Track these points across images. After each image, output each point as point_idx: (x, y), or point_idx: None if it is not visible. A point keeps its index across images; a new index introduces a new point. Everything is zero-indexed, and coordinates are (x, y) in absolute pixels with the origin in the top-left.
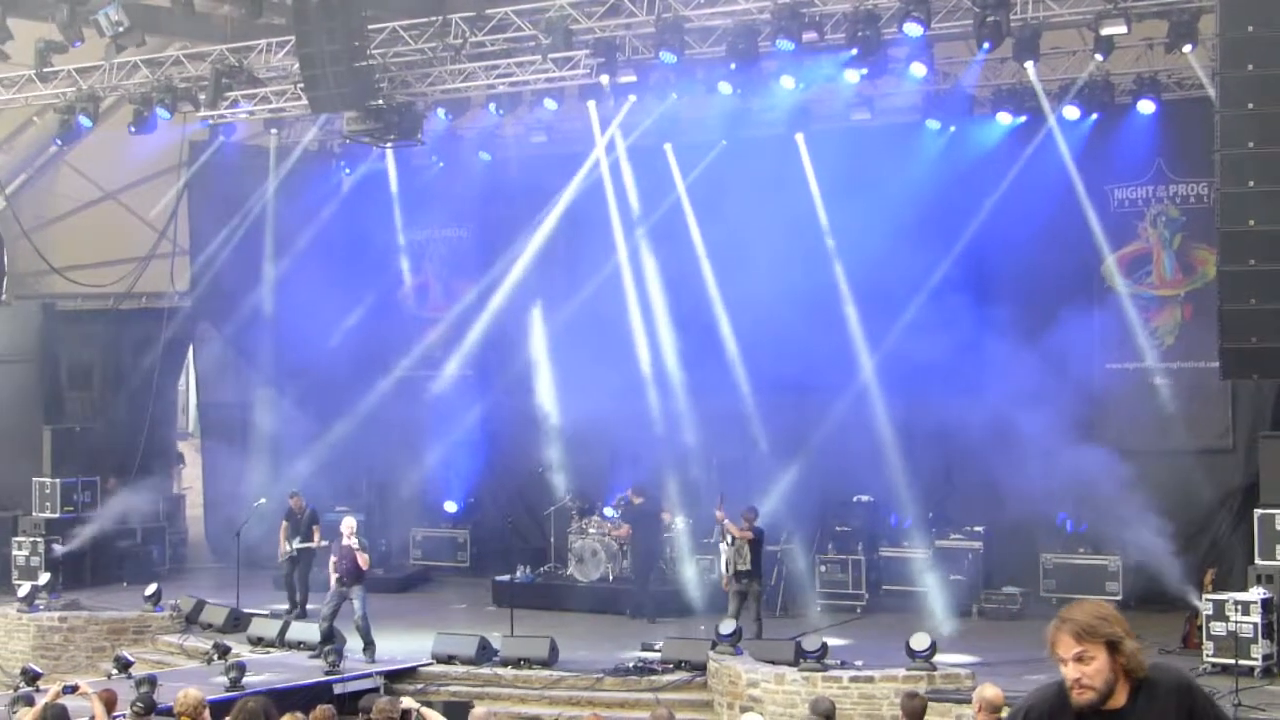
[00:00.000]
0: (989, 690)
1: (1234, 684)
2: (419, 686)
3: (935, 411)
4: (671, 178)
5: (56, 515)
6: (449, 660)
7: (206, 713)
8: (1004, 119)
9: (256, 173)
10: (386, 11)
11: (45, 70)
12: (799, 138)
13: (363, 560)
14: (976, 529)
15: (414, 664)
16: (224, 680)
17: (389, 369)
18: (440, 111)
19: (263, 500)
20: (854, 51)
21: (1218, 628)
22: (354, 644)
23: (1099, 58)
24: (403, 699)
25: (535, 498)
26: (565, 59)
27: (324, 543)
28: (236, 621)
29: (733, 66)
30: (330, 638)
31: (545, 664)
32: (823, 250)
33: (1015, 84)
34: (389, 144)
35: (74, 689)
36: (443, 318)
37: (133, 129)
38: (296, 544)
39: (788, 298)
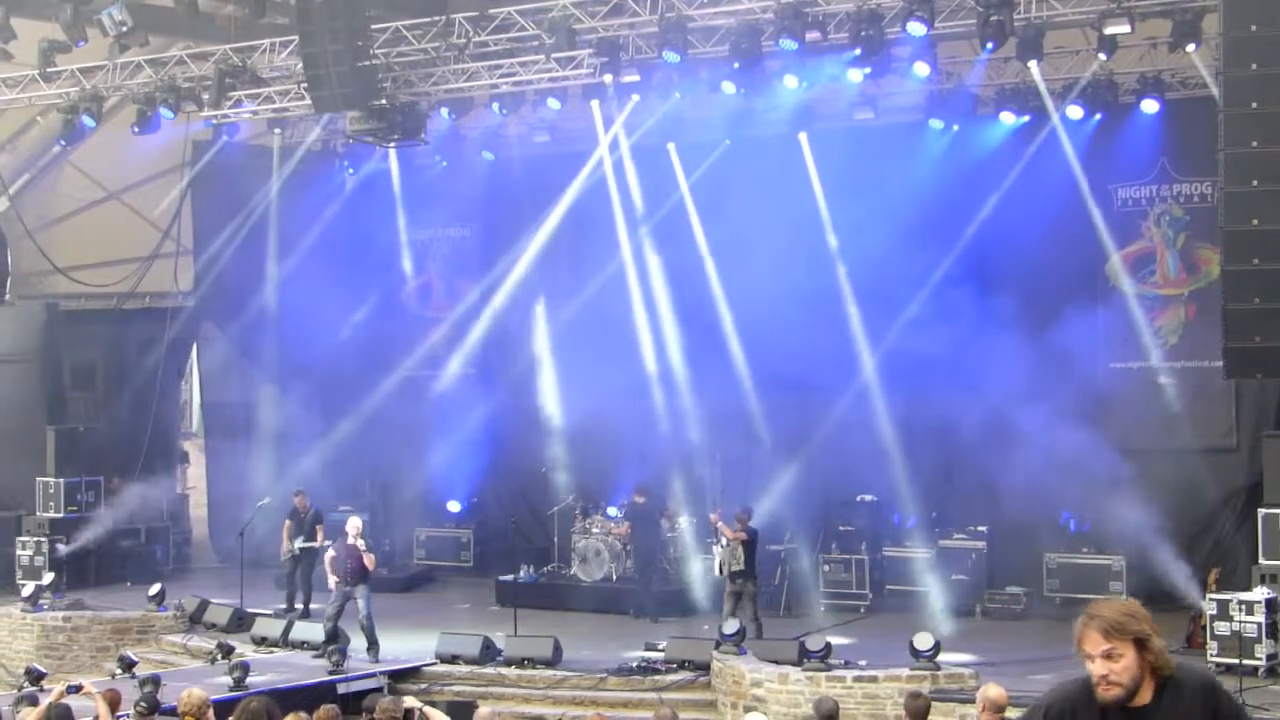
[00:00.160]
0: (993, 690)
1: (1238, 684)
2: (423, 686)
3: (938, 411)
4: (675, 177)
5: (60, 515)
6: (453, 660)
7: (210, 712)
8: (1007, 118)
9: (260, 172)
10: (390, 11)
11: (49, 70)
12: (802, 137)
13: (369, 560)
14: (980, 529)
15: (418, 664)
16: (228, 680)
17: (393, 369)
18: (443, 111)
19: (266, 500)
20: (857, 51)
21: (1222, 627)
22: (358, 644)
23: (1102, 57)
24: (405, 699)
25: (539, 497)
26: (568, 58)
27: (327, 542)
28: (240, 621)
29: (736, 66)
30: (334, 637)
31: (549, 664)
32: (826, 249)
33: (1019, 83)
34: (392, 144)
35: (78, 689)
36: (446, 317)
37: (136, 129)
38: (299, 543)
39: (791, 297)
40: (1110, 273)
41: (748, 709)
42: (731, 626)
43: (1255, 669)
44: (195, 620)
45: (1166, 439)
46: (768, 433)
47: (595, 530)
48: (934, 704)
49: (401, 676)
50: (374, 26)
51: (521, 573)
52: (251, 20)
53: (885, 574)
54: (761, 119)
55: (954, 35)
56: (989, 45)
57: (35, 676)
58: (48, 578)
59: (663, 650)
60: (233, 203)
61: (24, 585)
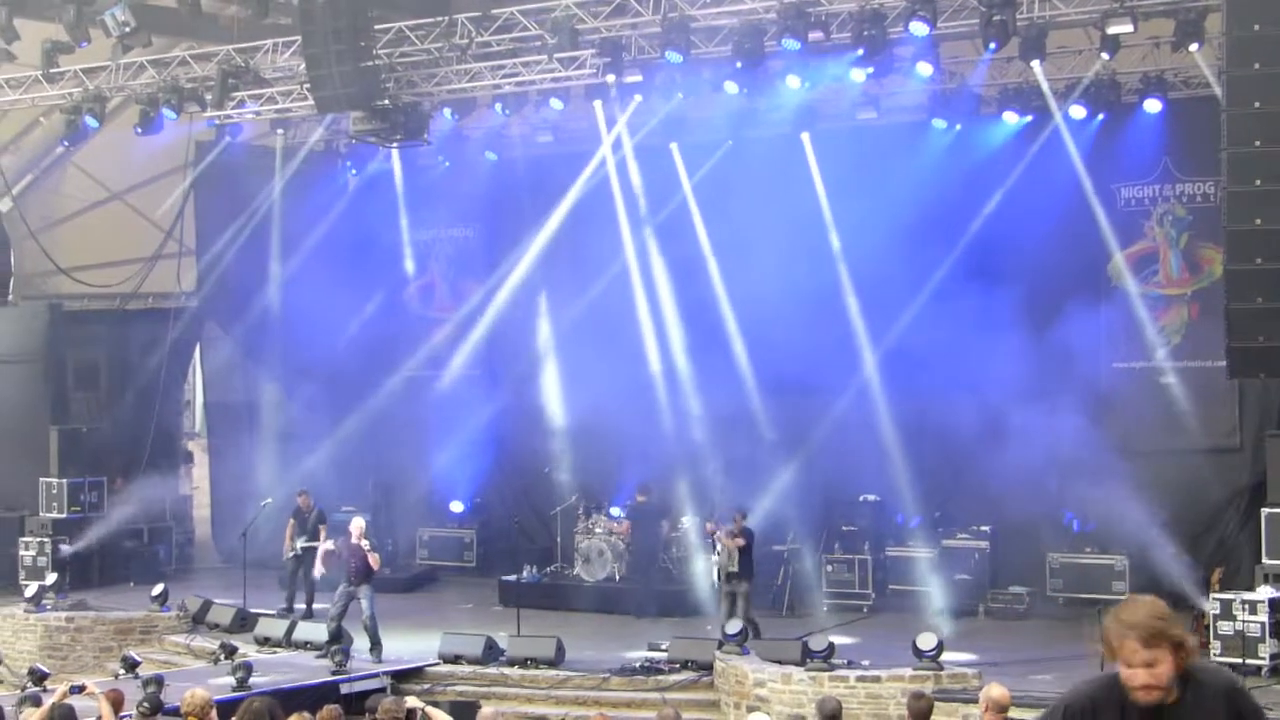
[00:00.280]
0: (996, 690)
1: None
2: (426, 686)
3: (942, 410)
4: (677, 177)
5: (63, 516)
6: (455, 660)
7: (213, 713)
8: (1010, 118)
9: (263, 173)
10: (392, 11)
11: (52, 71)
12: (805, 137)
13: (373, 560)
14: (983, 528)
15: (421, 664)
16: (231, 680)
17: (396, 369)
18: (446, 111)
19: (269, 500)
20: (860, 51)
21: (1225, 627)
22: (361, 644)
23: (1105, 57)
24: (408, 699)
25: (541, 497)
26: (571, 59)
27: (329, 542)
28: (243, 621)
29: (739, 66)
30: (337, 637)
31: (552, 664)
32: (828, 249)
33: (1021, 83)
34: (395, 144)
35: (81, 689)
36: (449, 317)
37: (139, 129)
38: (302, 543)
39: (794, 297)
40: (1113, 272)
41: (750, 709)
42: (734, 626)
43: (1259, 669)
44: (198, 620)
45: (1170, 439)
46: (771, 432)
47: (598, 530)
48: (937, 704)
49: (404, 677)
50: (377, 27)
51: (524, 573)
52: (254, 21)
53: (888, 574)
54: (764, 119)
55: (957, 35)
56: (992, 45)
57: (38, 677)
58: (51, 578)
59: (666, 650)
60: (235, 203)
61: (27, 586)
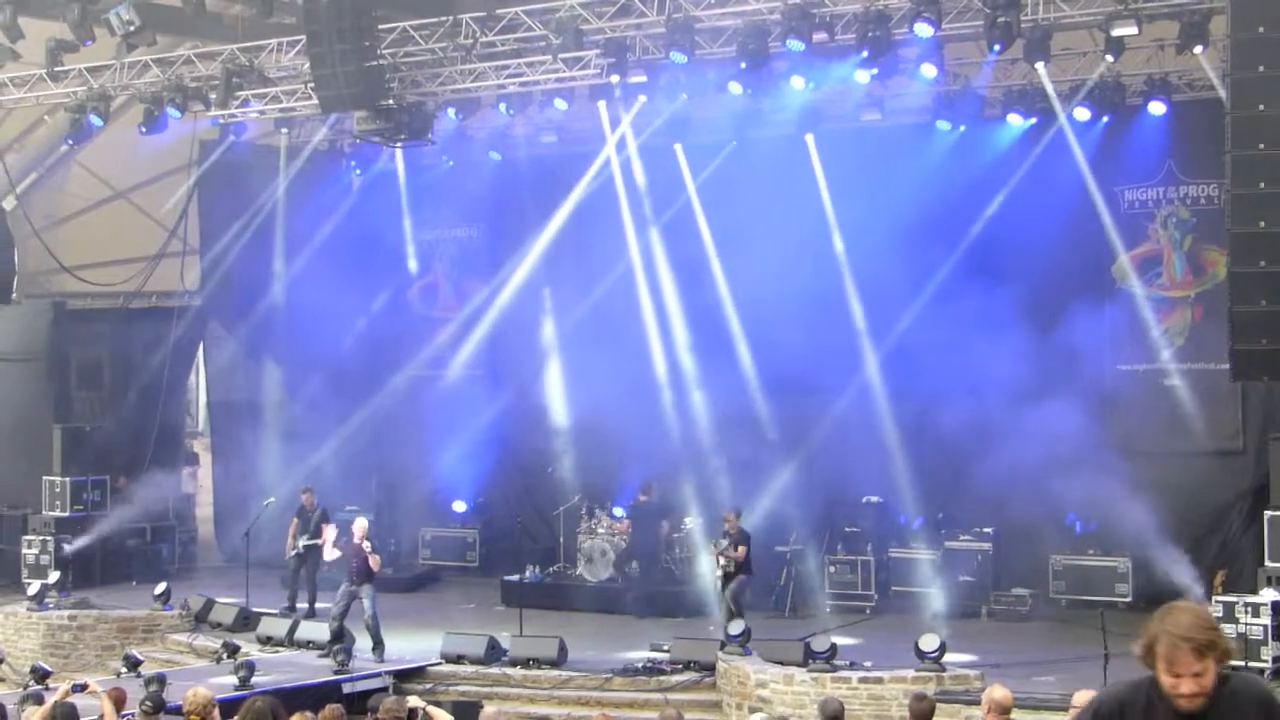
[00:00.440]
0: (998, 691)
1: None
2: (428, 686)
3: (945, 412)
4: (681, 178)
5: (66, 514)
6: (458, 660)
7: (216, 712)
8: (1014, 120)
9: (267, 172)
10: (397, 11)
11: (56, 69)
12: (809, 138)
13: (374, 562)
14: (986, 530)
15: (423, 663)
16: (233, 679)
17: (399, 368)
18: (450, 111)
19: (272, 499)
20: (864, 52)
21: (1228, 629)
22: (363, 643)
23: (1110, 59)
24: (410, 698)
25: (544, 497)
26: (575, 59)
27: (331, 533)
28: (246, 620)
29: (743, 67)
30: (339, 637)
31: (554, 664)
32: (832, 250)
33: (1026, 85)
34: (399, 144)
35: (83, 687)
36: (453, 317)
37: (143, 128)
38: (304, 541)
39: (797, 297)
40: (1118, 273)
41: (753, 710)
42: (737, 627)
43: (1261, 671)
44: (201, 619)
45: (1173, 441)
46: (774, 433)
47: (601, 530)
48: (939, 705)
49: (407, 676)
50: (381, 27)
51: (527, 573)
52: (259, 20)
53: (891, 575)
54: (768, 120)
55: (961, 37)
56: (996, 47)
57: (41, 675)
58: (53, 576)
59: (668, 651)
60: (239, 202)
61: (30, 584)
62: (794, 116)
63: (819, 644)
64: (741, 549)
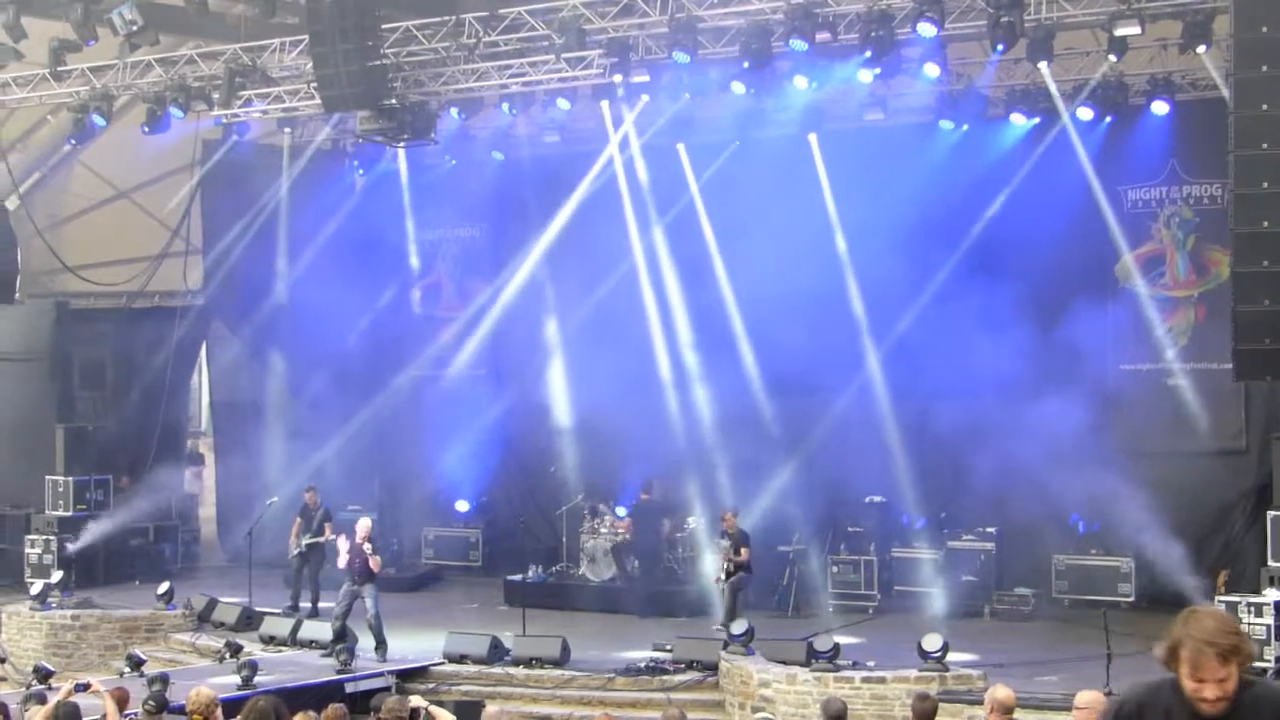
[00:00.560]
0: (1001, 691)
1: None
2: (431, 686)
3: (947, 411)
4: (684, 177)
5: (69, 514)
6: (461, 659)
7: (218, 711)
8: (1018, 120)
9: (270, 172)
10: (399, 11)
11: (59, 69)
12: (812, 138)
13: (374, 563)
14: (989, 530)
15: (426, 663)
16: (236, 679)
17: (402, 368)
18: (453, 111)
19: (275, 499)
20: (867, 52)
21: None
22: (366, 643)
23: (1113, 58)
24: (411, 698)
25: (547, 497)
26: (578, 59)
27: (333, 537)
28: (249, 620)
29: (746, 66)
30: (342, 636)
31: (557, 663)
32: (835, 250)
33: (1029, 85)
34: (402, 143)
35: (86, 687)
36: (456, 317)
37: (146, 128)
38: (306, 540)
39: (800, 297)
40: (1121, 272)
41: (755, 709)
42: (740, 627)
43: (1263, 671)
44: (203, 619)
45: (1176, 441)
46: (777, 433)
47: (603, 530)
48: (942, 705)
49: (409, 676)
50: (384, 26)
51: (530, 572)
52: (261, 20)
53: (894, 575)
54: (771, 119)
55: (964, 36)
56: (999, 46)
57: (44, 674)
58: (56, 576)
59: (671, 650)
60: (242, 202)
61: (33, 583)
62: (797, 116)
63: (822, 644)
64: (745, 551)
